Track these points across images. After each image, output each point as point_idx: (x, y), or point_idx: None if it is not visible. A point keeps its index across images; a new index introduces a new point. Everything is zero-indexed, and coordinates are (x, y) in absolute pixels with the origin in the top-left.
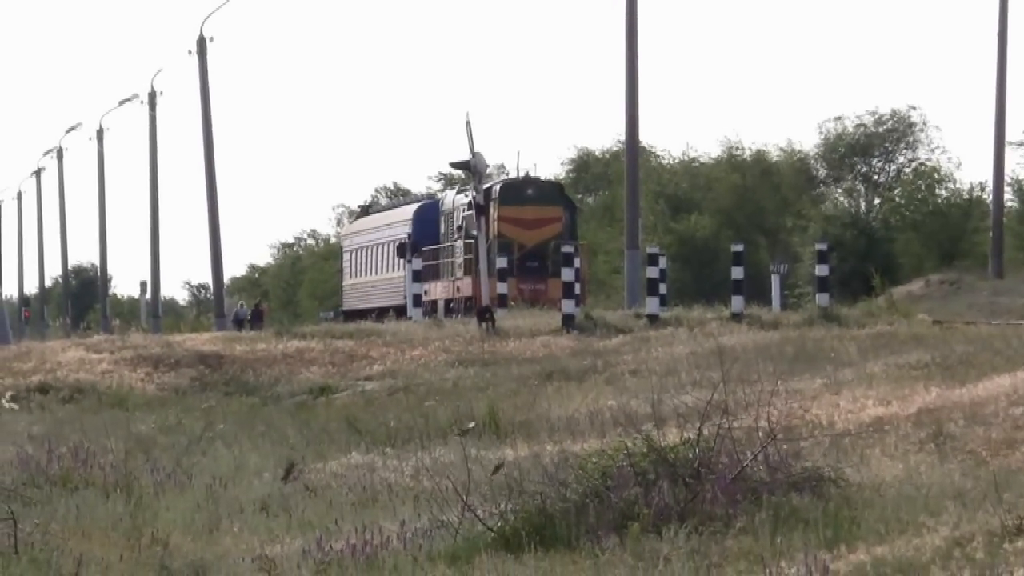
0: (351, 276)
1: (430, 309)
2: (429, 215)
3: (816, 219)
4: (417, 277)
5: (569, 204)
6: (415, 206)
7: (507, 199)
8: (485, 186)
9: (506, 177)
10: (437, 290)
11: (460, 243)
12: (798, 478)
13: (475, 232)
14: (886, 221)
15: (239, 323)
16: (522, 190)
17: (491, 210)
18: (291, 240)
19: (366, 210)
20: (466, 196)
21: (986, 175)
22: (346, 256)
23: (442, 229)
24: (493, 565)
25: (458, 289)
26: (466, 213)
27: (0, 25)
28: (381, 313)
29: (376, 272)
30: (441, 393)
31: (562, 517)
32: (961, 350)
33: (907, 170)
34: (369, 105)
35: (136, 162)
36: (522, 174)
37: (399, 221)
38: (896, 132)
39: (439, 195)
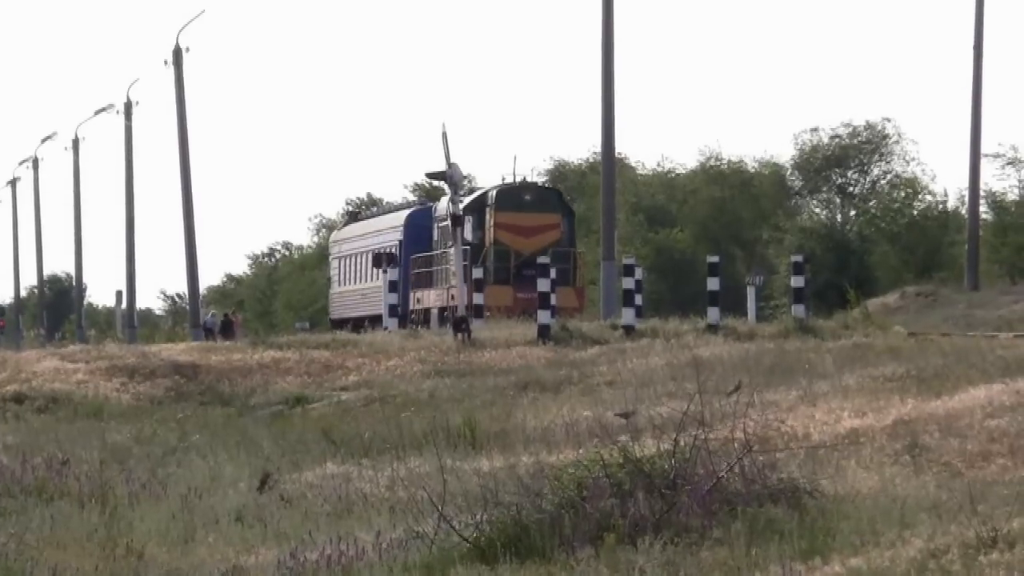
0: (340, 284)
1: (422, 318)
2: (421, 221)
3: (792, 231)
4: (393, 287)
5: (567, 210)
6: (406, 212)
7: (504, 205)
8: (480, 191)
9: (502, 182)
10: (430, 298)
11: (455, 249)
12: (774, 490)
13: (469, 238)
14: (861, 233)
15: (208, 332)
16: (519, 196)
17: (487, 216)
18: (266, 251)
19: (355, 216)
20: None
21: (961, 187)
22: (334, 264)
23: (435, 236)
24: None
25: (452, 297)
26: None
27: None
28: (357, 324)
29: (366, 280)
30: (417, 404)
31: (537, 528)
32: (936, 362)
33: (882, 182)
34: (344, 115)
35: (112, 172)
36: (519, 179)
37: (390, 227)
38: (871, 144)
39: (429, 201)
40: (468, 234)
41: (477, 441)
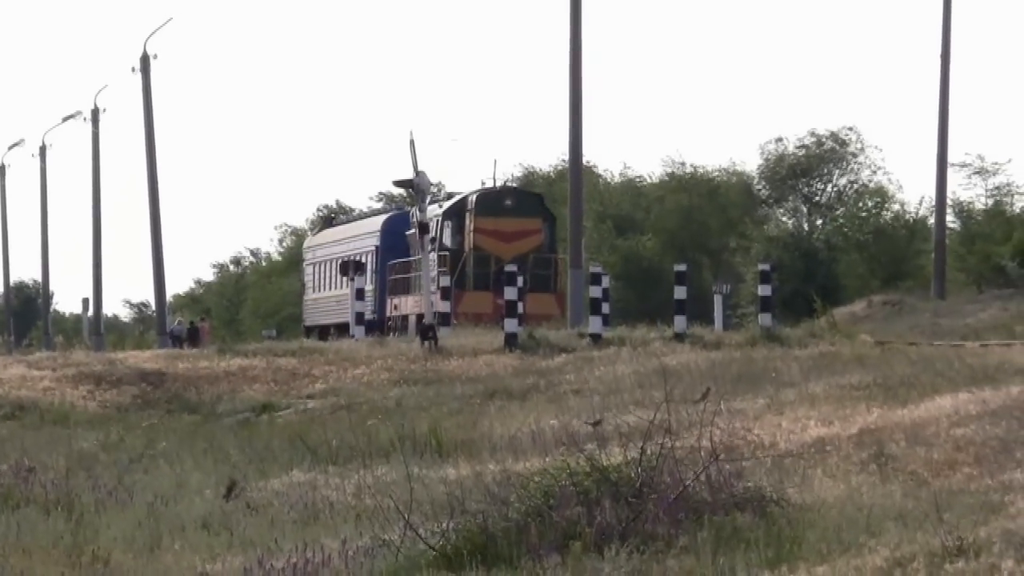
0: (314, 290)
1: (400, 324)
2: (398, 227)
3: (759, 240)
4: (360, 295)
5: (549, 216)
6: (383, 218)
7: (484, 210)
8: (460, 196)
9: (482, 186)
10: (408, 304)
11: (434, 255)
12: (740, 498)
13: (449, 244)
14: (828, 242)
15: (175, 340)
16: (500, 200)
17: (467, 221)
18: (231, 259)
19: (329, 221)
20: (440, 207)
21: (928, 196)
22: (308, 270)
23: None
24: None
25: (431, 303)
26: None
27: None
28: (323, 331)
29: (341, 286)
30: (384, 412)
31: (504, 536)
32: (903, 371)
33: (848, 192)
34: (312, 124)
35: (79, 179)
36: (499, 183)
37: (366, 233)
38: (836, 153)
39: (407, 207)
40: (447, 239)
41: (443, 449)
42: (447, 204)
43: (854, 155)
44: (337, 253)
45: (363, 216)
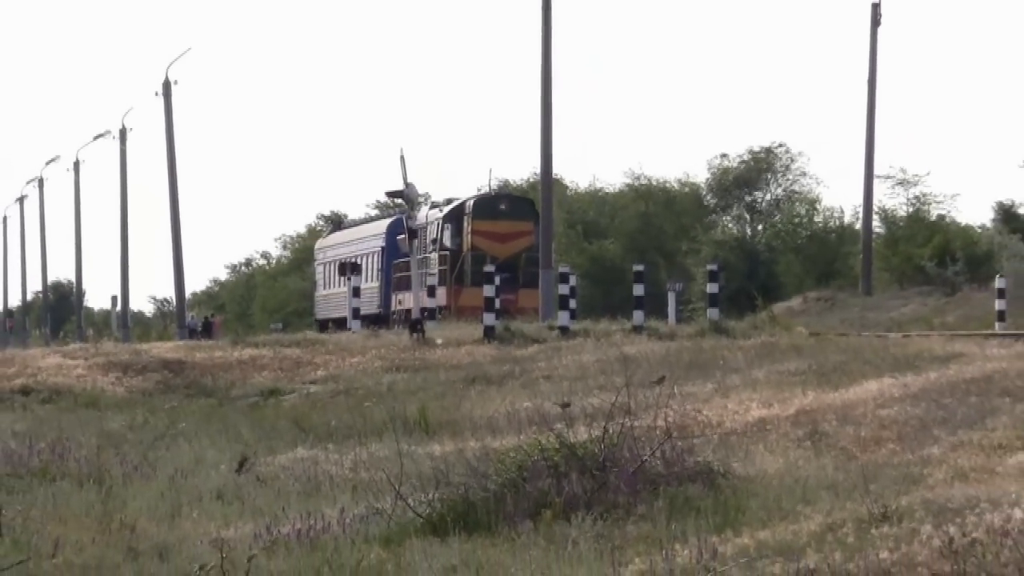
0: (324, 287)
1: (403, 318)
2: (402, 229)
3: (707, 243)
4: (356, 293)
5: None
6: (388, 220)
7: (481, 213)
8: (458, 201)
9: (479, 192)
10: (410, 300)
11: (435, 255)
12: (691, 471)
13: (449, 244)
14: (769, 244)
15: (190, 333)
16: (495, 205)
17: (465, 224)
18: (243, 260)
19: (338, 224)
20: (440, 211)
21: (857, 204)
22: (319, 269)
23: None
24: (422, 547)
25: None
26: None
27: None
28: (322, 325)
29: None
30: (377, 395)
31: (483, 505)
32: (834, 359)
33: (783, 201)
34: (312, 139)
35: (109, 189)
36: (494, 189)
37: (373, 235)
38: (770, 166)
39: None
40: (447, 240)
41: (430, 428)
42: (447, 208)
43: (786, 166)
44: (345, 254)
45: (370, 220)
